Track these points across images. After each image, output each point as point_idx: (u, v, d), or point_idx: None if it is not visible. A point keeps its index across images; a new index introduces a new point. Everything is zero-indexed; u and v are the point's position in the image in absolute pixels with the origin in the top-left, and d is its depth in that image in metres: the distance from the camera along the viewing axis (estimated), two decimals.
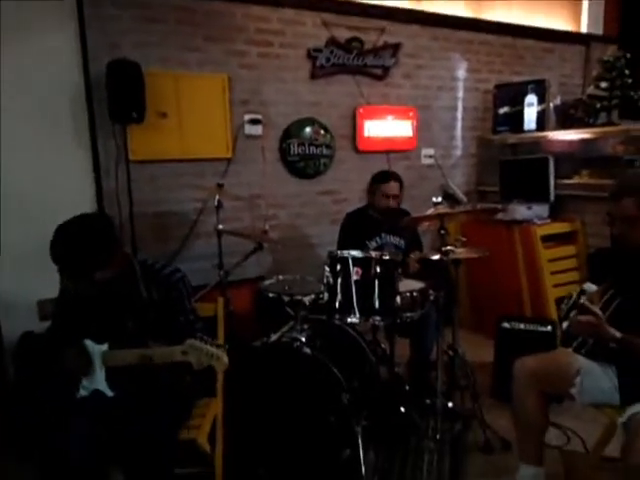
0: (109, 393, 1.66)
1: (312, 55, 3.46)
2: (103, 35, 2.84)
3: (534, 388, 1.84)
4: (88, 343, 1.67)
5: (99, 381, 1.66)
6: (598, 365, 1.76)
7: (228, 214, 3.14)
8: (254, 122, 3.34)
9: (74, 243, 1.59)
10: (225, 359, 1.49)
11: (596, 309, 1.56)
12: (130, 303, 1.73)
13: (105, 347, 1.67)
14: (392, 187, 2.78)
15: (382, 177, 2.84)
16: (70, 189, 2.83)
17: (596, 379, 1.76)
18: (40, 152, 2.74)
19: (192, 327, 1.77)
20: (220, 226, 2.70)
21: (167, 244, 3.18)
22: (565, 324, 1.60)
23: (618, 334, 1.55)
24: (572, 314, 1.57)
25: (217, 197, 2.71)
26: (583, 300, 1.55)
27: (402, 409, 2.38)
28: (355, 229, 2.87)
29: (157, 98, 2.95)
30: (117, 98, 2.73)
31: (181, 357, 1.51)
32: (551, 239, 3.46)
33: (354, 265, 2.12)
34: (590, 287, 1.56)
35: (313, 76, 3.51)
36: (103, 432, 1.57)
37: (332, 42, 3.51)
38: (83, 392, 1.67)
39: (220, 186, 2.75)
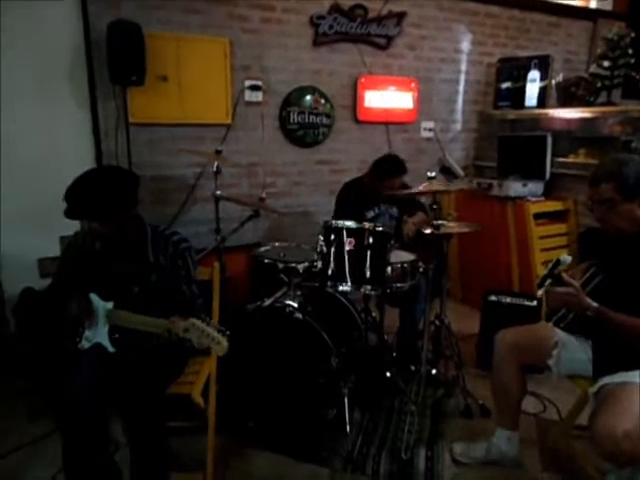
0: (110, 349, 1.72)
1: (315, 22, 3.41)
2: None
3: (513, 359, 1.93)
4: (93, 297, 1.73)
5: (102, 335, 1.72)
6: (575, 339, 1.85)
7: (226, 180, 3.17)
8: (254, 88, 3.33)
9: (101, 181, 1.65)
10: (225, 344, 1.51)
11: (572, 280, 1.62)
12: (136, 265, 1.77)
13: (110, 305, 1.72)
14: (398, 182, 2.77)
15: (392, 170, 2.75)
16: (70, 150, 2.85)
17: (572, 352, 1.85)
18: (40, 113, 2.75)
19: (194, 298, 1.82)
20: (218, 192, 2.72)
21: (165, 208, 3.22)
22: (540, 292, 1.65)
23: (595, 304, 1.61)
24: (547, 283, 1.63)
25: (216, 163, 2.73)
26: (558, 271, 1.60)
27: (388, 374, 2.49)
28: (353, 199, 2.88)
29: (157, 60, 2.94)
30: (117, 59, 2.70)
31: (183, 334, 1.54)
32: (543, 216, 3.50)
33: (348, 235, 2.17)
34: (565, 259, 1.61)
35: (315, 43, 3.48)
36: (104, 382, 1.64)
37: (335, 9, 3.46)
38: (85, 343, 1.73)
39: (218, 152, 2.76)
